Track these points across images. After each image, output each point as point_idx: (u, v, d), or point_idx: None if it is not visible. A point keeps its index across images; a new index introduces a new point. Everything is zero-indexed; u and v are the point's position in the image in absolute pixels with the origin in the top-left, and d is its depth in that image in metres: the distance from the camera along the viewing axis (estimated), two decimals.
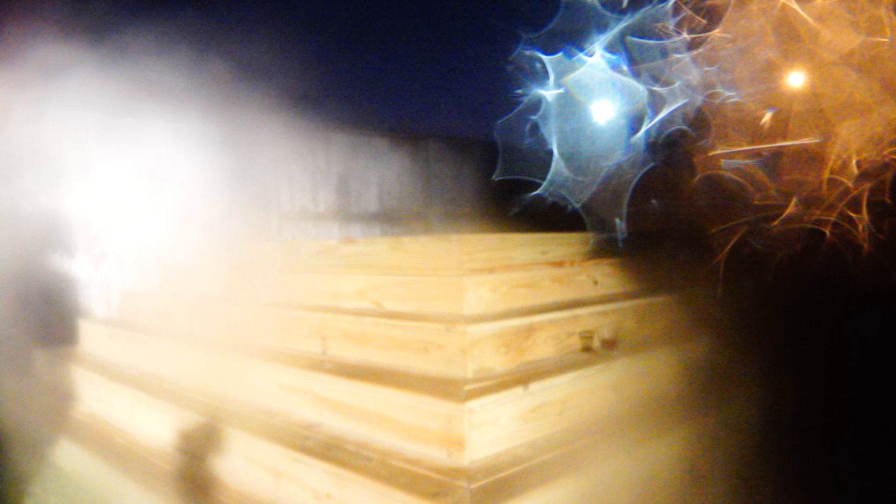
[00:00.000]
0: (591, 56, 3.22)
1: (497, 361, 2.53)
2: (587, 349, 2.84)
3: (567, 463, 2.13)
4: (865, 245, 2.45)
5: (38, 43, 3.92)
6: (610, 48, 3.17)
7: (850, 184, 2.46)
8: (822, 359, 2.80)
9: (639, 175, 3.35)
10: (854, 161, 2.44)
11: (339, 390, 2.51)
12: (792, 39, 2.48)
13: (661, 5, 2.83)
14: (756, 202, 2.69)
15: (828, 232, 2.52)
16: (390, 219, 7.28)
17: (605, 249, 3.63)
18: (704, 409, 2.66)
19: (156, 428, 2.84)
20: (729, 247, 2.73)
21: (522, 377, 2.40)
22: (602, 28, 3.15)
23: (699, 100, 2.86)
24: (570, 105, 3.40)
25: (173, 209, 4.87)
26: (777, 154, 2.65)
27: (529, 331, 2.70)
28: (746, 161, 2.71)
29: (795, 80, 2.55)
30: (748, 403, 2.76)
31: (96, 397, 3.41)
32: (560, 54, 3.32)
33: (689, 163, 2.88)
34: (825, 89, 2.45)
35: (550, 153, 3.48)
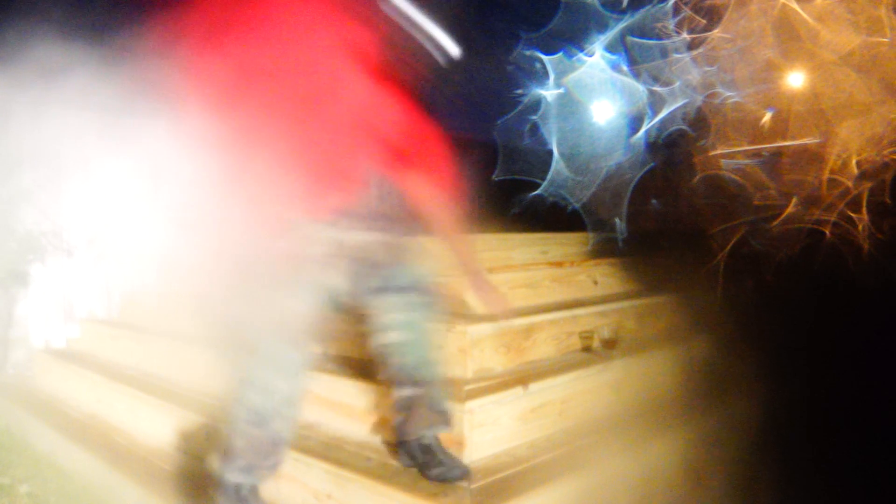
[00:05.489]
0: (591, 56, 3.23)
1: (497, 361, 2.53)
2: (587, 349, 2.85)
3: (567, 463, 2.13)
4: (865, 245, 2.45)
5: (36, 42, 3.92)
6: (610, 48, 3.18)
7: (850, 184, 2.46)
8: (822, 359, 2.80)
9: (639, 175, 3.35)
10: (854, 161, 2.44)
11: (339, 390, 2.51)
12: (792, 39, 2.48)
13: (661, 5, 2.84)
14: (756, 202, 2.69)
15: (828, 232, 2.52)
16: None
17: (605, 249, 3.63)
18: (704, 409, 2.66)
19: (156, 428, 2.84)
20: (729, 247, 2.73)
21: (522, 377, 2.40)
22: (602, 28, 3.15)
23: (699, 100, 2.86)
24: (570, 105, 3.41)
25: (174, 209, 4.86)
26: (777, 154, 2.65)
27: (529, 331, 2.70)
28: (746, 161, 2.72)
29: (795, 80, 2.55)
30: (748, 403, 2.76)
31: (96, 397, 3.41)
32: (560, 54, 3.33)
33: (689, 163, 2.89)
34: (825, 89, 2.45)
35: (550, 153, 3.48)
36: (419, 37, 1.80)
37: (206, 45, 1.72)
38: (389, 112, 1.81)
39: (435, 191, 1.96)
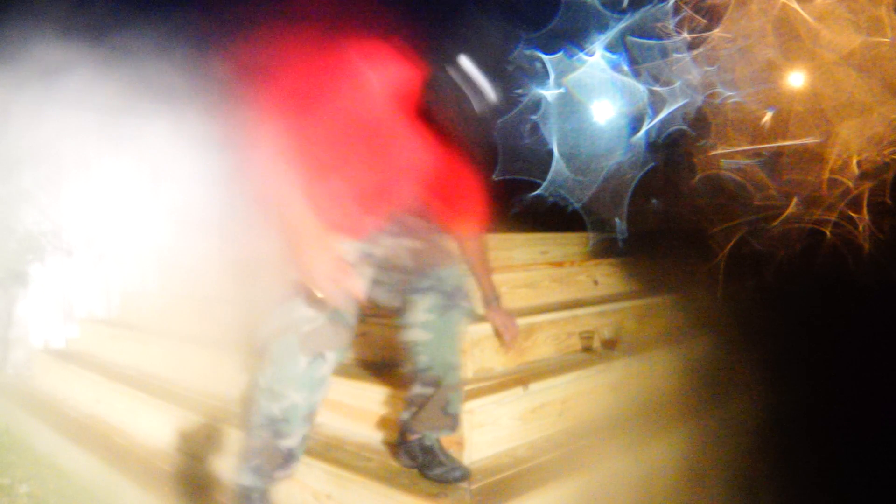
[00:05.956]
0: (591, 56, 3.23)
1: (497, 361, 2.53)
2: (587, 349, 2.84)
3: (567, 463, 2.13)
4: (866, 245, 2.45)
5: (36, 42, 3.92)
6: (610, 48, 3.18)
7: (850, 184, 2.46)
8: (823, 359, 2.80)
9: (639, 175, 3.35)
10: (854, 161, 2.44)
11: (339, 390, 2.50)
12: (792, 39, 2.48)
13: (661, 5, 2.84)
14: (756, 202, 2.69)
15: (828, 232, 2.52)
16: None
17: (605, 249, 3.64)
18: (704, 409, 2.66)
19: (156, 428, 2.84)
20: (729, 247, 2.73)
21: (522, 377, 2.40)
22: (602, 28, 3.15)
23: (699, 100, 2.86)
24: (570, 105, 3.41)
25: (173, 209, 4.87)
26: (777, 154, 2.65)
27: (529, 331, 2.70)
28: (746, 161, 2.72)
29: (796, 79, 2.55)
30: (748, 403, 2.76)
31: (96, 397, 3.41)
32: (560, 54, 3.33)
33: (689, 163, 2.89)
34: (825, 89, 2.45)
35: (550, 153, 3.48)
36: (465, 84, 1.81)
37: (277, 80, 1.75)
38: (435, 156, 1.84)
39: (476, 234, 2.10)
